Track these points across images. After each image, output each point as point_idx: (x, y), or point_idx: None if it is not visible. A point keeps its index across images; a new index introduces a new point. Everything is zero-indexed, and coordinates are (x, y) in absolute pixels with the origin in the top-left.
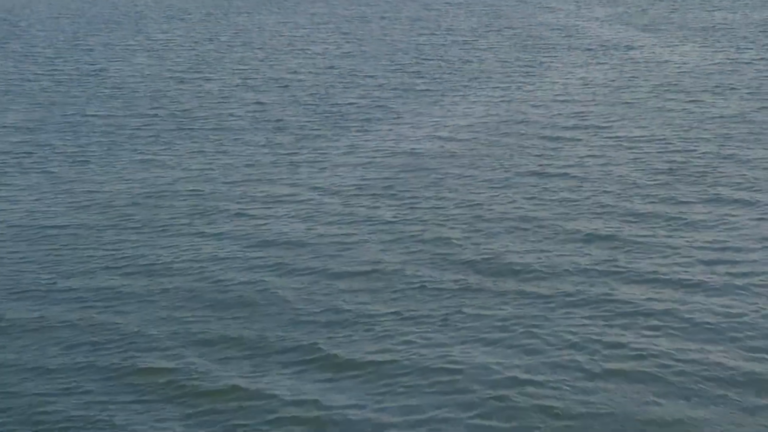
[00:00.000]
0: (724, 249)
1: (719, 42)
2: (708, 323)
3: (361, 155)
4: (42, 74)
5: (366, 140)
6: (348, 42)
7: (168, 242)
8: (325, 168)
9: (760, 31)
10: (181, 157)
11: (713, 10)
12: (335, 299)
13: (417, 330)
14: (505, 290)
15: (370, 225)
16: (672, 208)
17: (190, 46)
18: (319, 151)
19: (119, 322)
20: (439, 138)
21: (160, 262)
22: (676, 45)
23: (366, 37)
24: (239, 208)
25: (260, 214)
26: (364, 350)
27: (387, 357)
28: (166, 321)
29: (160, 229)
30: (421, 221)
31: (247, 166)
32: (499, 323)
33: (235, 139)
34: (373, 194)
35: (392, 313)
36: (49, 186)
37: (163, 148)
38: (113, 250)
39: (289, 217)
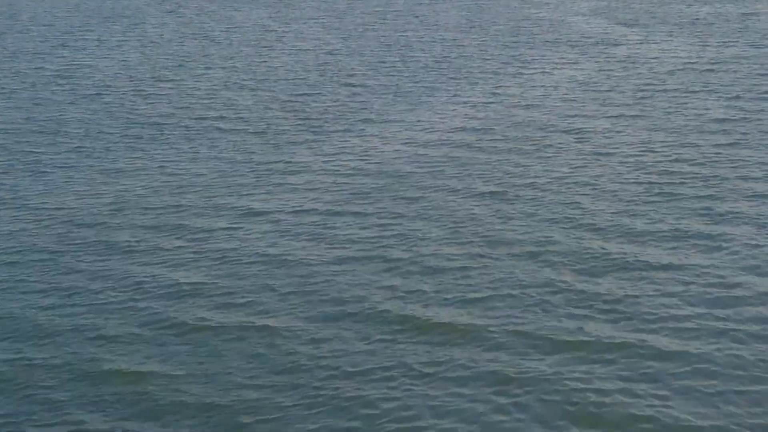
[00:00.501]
0: (721, 264)
1: (704, 37)
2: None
3: (343, 161)
4: (25, 72)
5: (348, 144)
6: (335, 38)
7: (135, 258)
8: (304, 173)
9: (744, 26)
10: (154, 166)
11: (697, 4)
12: (316, 316)
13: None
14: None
15: (350, 233)
16: (664, 214)
17: (177, 44)
18: (299, 157)
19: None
20: (421, 142)
21: (132, 277)
22: (661, 40)
23: (353, 34)
24: (212, 220)
25: (234, 225)
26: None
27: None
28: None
29: (129, 243)
30: (402, 233)
31: (223, 173)
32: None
33: (212, 147)
34: (355, 202)
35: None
36: (9, 199)
37: (136, 156)
38: (82, 263)
39: (265, 231)
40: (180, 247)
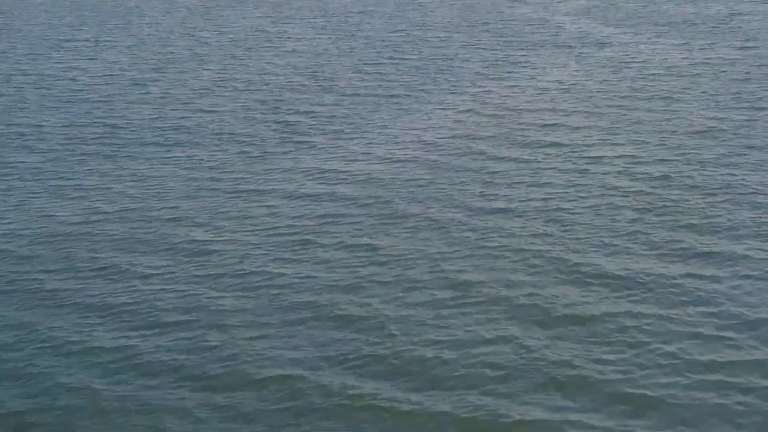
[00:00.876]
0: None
1: (691, 38)
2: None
3: (323, 172)
4: (8, 75)
5: (329, 155)
6: (324, 39)
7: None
8: (292, 179)
9: (730, 27)
10: (126, 177)
11: (683, 4)
12: (295, 329)
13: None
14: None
15: (330, 250)
16: (652, 225)
17: (165, 46)
18: (277, 168)
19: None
20: (405, 151)
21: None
22: (649, 41)
23: (342, 35)
24: (185, 233)
25: (208, 239)
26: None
27: None
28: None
29: (96, 259)
30: (391, 242)
31: (198, 185)
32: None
33: (188, 157)
34: (334, 219)
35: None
36: None
37: (109, 167)
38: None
39: (241, 244)
40: (154, 263)
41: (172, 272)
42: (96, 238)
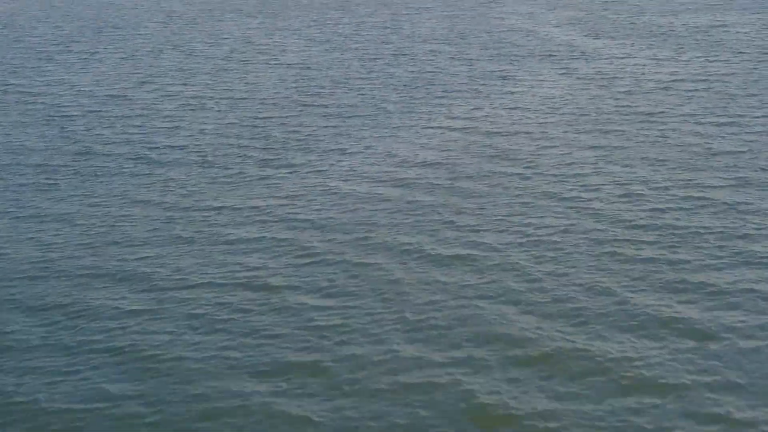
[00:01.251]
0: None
1: (678, 51)
2: None
3: (313, 187)
4: None
5: (318, 171)
6: (314, 52)
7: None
8: (280, 199)
9: (720, 39)
10: (94, 202)
11: (669, 15)
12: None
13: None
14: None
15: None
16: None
17: (154, 58)
18: (251, 196)
19: None
20: (393, 168)
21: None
22: (636, 54)
23: (333, 47)
24: (153, 268)
25: (176, 278)
26: None
27: None
28: None
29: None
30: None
31: (169, 215)
32: None
33: (164, 181)
34: (330, 231)
35: None
36: None
37: (79, 193)
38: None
39: (212, 278)
40: (124, 295)
41: (146, 307)
42: (59, 268)
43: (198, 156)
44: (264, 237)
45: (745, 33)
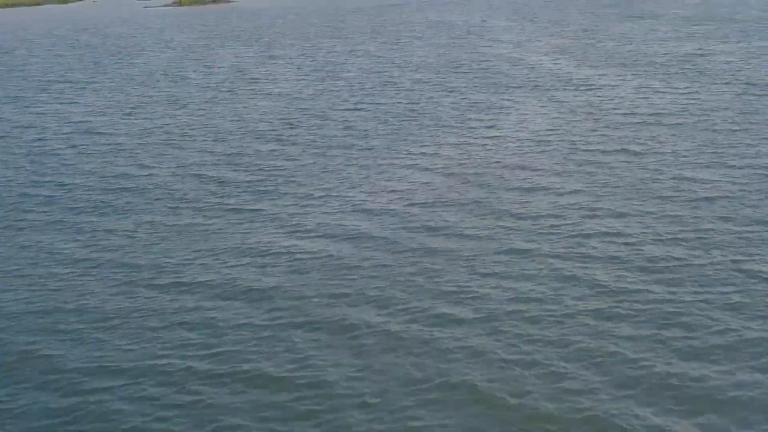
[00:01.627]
0: None
1: (666, 80)
2: None
3: (302, 224)
4: None
5: (301, 211)
6: (305, 82)
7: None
8: (251, 245)
9: (705, 68)
10: (60, 246)
11: (657, 43)
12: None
13: None
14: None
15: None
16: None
17: (146, 87)
18: (260, 216)
19: None
20: (378, 207)
21: None
22: (625, 83)
23: (323, 76)
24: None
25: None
26: None
27: None
28: None
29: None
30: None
31: (139, 264)
32: None
33: (141, 222)
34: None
35: None
36: None
37: (50, 235)
38: None
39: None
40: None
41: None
42: (9, 309)
43: (169, 198)
44: (236, 279)
45: (729, 62)
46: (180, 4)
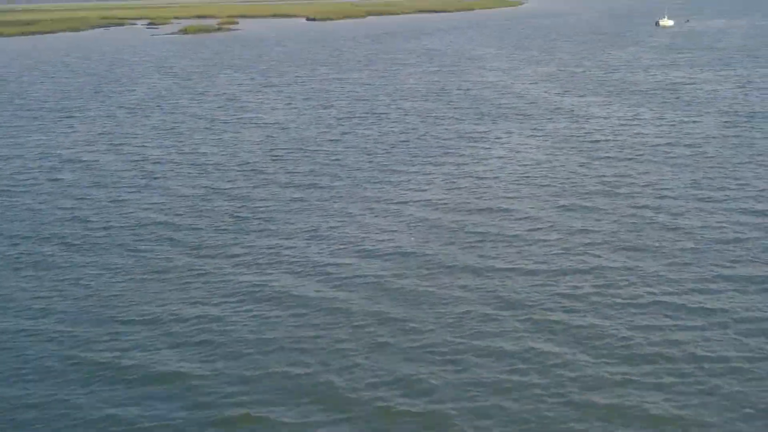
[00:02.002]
0: None
1: (655, 110)
2: None
3: (292, 262)
4: None
5: (283, 252)
6: (297, 109)
7: None
8: (260, 268)
9: (694, 96)
10: (30, 289)
11: (643, 71)
12: None
13: None
14: None
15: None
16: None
17: (136, 116)
18: (252, 249)
19: None
20: (361, 247)
21: None
22: (613, 113)
23: (315, 104)
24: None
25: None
26: None
27: None
28: None
29: None
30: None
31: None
32: None
33: (107, 264)
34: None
35: None
36: None
37: (20, 282)
38: None
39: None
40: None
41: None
42: None
43: (161, 234)
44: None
45: (714, 90)
46: (186, 32)
